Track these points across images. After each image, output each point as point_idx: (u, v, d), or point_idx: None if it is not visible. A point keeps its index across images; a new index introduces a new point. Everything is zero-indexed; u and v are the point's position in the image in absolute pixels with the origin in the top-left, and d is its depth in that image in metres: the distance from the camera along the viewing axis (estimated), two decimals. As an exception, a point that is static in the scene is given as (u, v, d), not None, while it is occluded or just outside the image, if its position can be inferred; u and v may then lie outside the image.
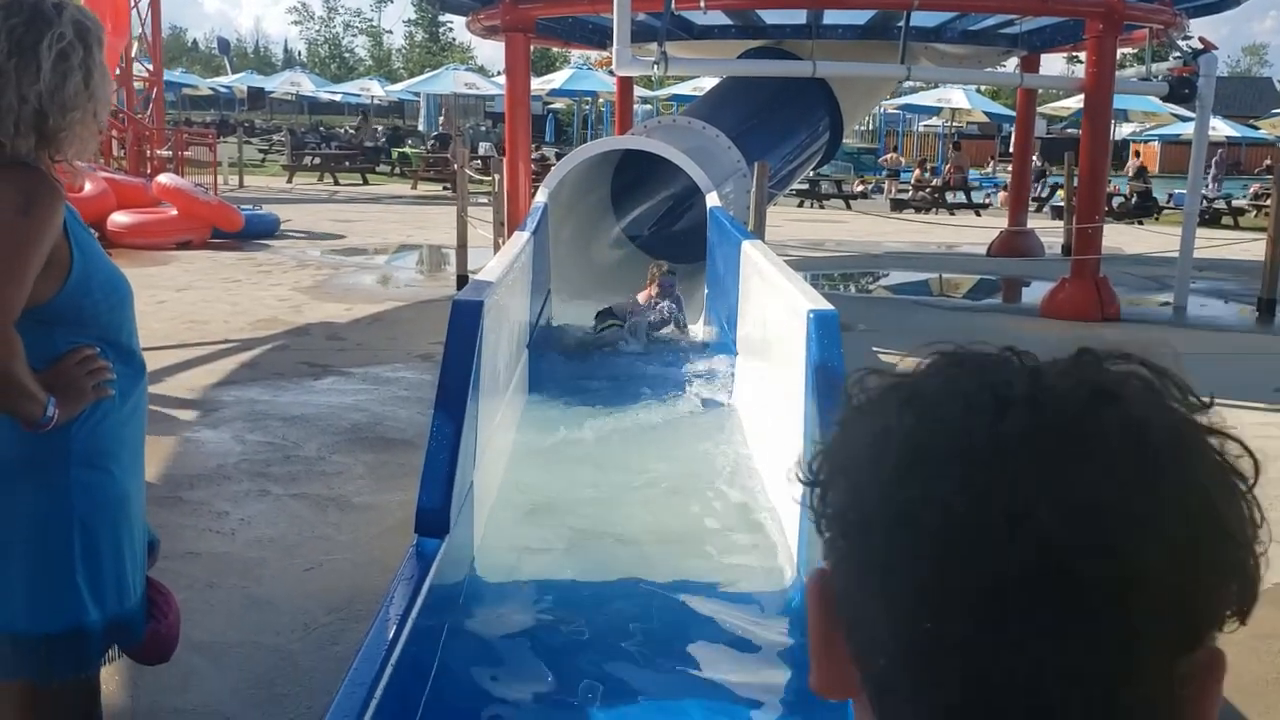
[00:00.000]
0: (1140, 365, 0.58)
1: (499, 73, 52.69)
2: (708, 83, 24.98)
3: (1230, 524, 0.56)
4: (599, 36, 12.55)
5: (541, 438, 5.60)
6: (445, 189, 24.98)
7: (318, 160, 26.88)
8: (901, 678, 0.57)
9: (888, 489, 0.57)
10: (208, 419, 6.49)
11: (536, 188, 11.43)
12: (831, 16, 11.09)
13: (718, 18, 11.14)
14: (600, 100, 34.30)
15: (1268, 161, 36.74)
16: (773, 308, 4.45)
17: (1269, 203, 21.93)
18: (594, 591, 3.89)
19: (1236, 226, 20.50)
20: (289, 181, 25.27)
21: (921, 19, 10.47)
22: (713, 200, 8.20)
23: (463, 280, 11.26)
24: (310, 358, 8.15)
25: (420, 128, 34.69)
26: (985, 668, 0.54)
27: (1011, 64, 13.80)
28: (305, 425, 6.41)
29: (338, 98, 41.68)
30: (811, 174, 17.55)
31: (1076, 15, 10.65)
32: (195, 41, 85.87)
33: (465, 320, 3.67)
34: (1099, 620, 0.53)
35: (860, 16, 11.09)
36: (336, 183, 25.57)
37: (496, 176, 9.00)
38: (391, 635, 2.79)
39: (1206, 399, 0.59)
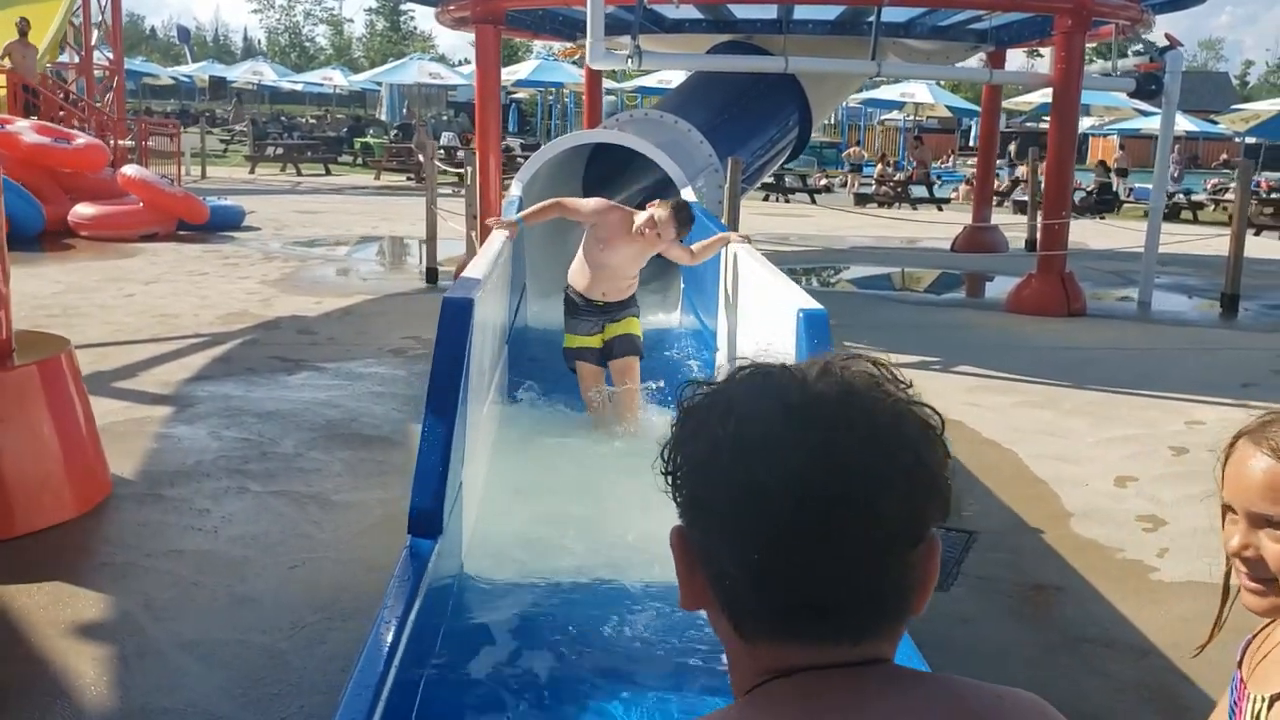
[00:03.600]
0: (866, 362, 0.89)
1: (460, 62, 52.48)
2: (673, 75, 25.04)
3: (934, 464, 0.86)
4: (569, 29, 12.52)
5: (524, 436, 5.60)
6: (409, 180, 24.83)
7: (280, 151, 26.59)
8: (744, 590, 0.86)
9: (721, 472, 0.86)
10: (183, 415, 6.42)
11: (504, 181, 11.42)
12: (802, 11, 11.13)
13: (689, 11, 11.14)
14: (565, 91, 34.24)
15: (1224, 156, 37.28)
16: (758, 305, 4.46)
17: (1228, 197, 22.38)
18: (583, 591, 3.90)
19: (1196, 221, 20.78)
20: (251, 173, 25.00)
21: (891, 14, 10.52)
22: (688, 195, 8.21)
23: (432, 273, 11.22)
24: (282, 352, 8.09)
25: (383, 117, 34.42)
26: (794, 578, 0.84)
27: (972, 60, 13.91)
28: (281, 421, 6.37)
29: (299, 87, 41.24)
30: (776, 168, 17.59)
31: (1046, 11, 10.74)
32: (153, 29, 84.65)
33: (456, 318, 3.65)
34: (856, 542, 0.83)
35: (830, 12, 11.14)
36: (299, 173, 25.33)
37: (469, 169, 8.94)
38: (391, 638, 2.79)
39: (907, 382, 0.89)
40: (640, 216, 5.59)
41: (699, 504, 0.88)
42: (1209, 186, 25.59)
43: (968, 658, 3.49)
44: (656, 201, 5.68)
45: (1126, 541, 5.05)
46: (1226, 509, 1.46)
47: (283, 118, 36.60)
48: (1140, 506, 5.51)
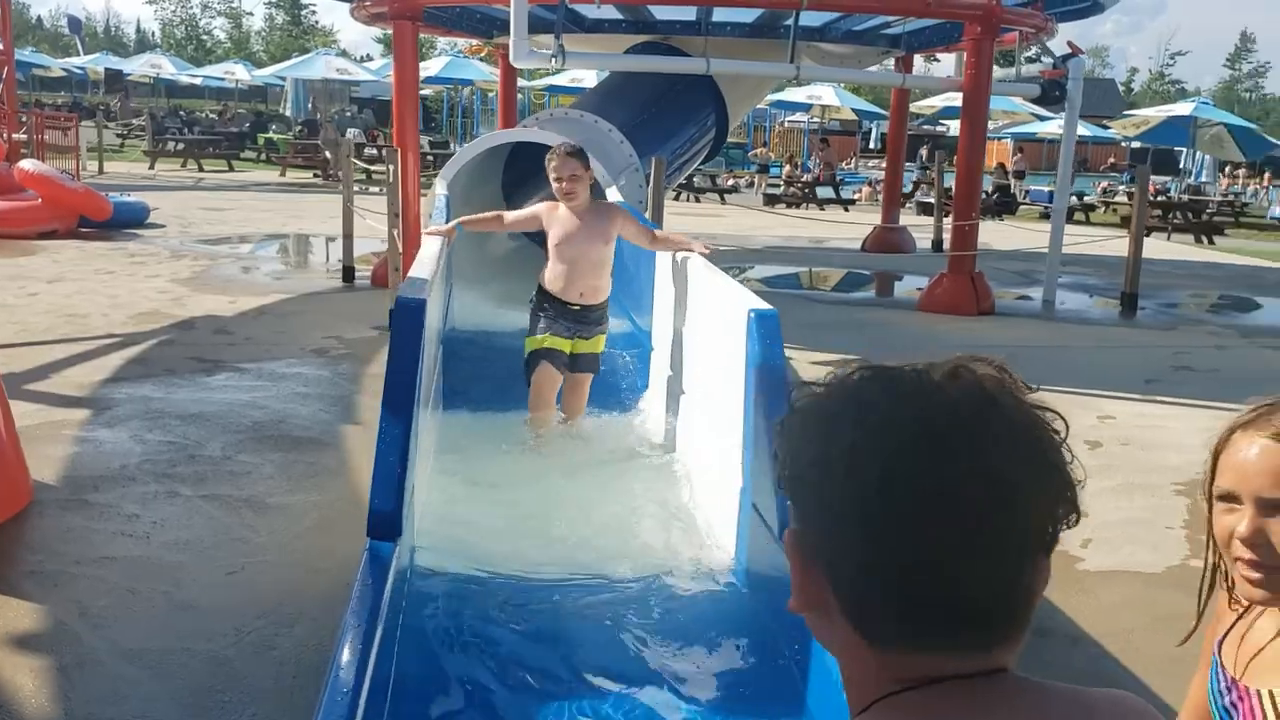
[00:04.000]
0: (997, 373, 0.89)
1: (364, 58, 51.68)
2: (584, 74, 25.03)
3: (1066, 469, 0.87)
4: (487, 26, 12.45)
5: (459, 437, 5.58)
6: (316, 176, 24.40)
7: (181, 146, 25.91)
8: (876, 593, 0.86)
9: (859, 477, 0.85)
10: (102, 418, 6.24)
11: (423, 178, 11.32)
12: (721, 14, 11.23)
13: (609, 11, 11.17)
14: (470, 90, 33.97)
15: (1112, 160, 38.65)
16: (703, 304, 4.50)
17: (1118, 199, 23.21)
18: (535, 587, 3.91)
19: (1089, 222, 21.51)
20: (151, 168, 24.32)
21: (808, 18, 10.67)
22: (613, 194, 8.24)
23: (349, 272, 11.06)
24: (199, 353, 7.91)
25: (287, 113, 33.72)
26: (934, 580, 0.84)
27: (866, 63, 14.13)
28: (205, 424, 6.23)
29: (199, 81, 40.18)
30: (690, 168, 17.70)
31: (957, 18, 11.01)
32: (39, 19, 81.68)
33: (409, 320, 3.63)
34: (998, 546, 0.84)
35: (749, 15, 11.26)
36: (201, 169, 24.72)
37: (390, 167, 8.84)
38: (361, 644, 2.77)
39: (1034, 386, 0.91)
40: (553, 186, 5.49)
41: (828, 506, 0.87)
42: (1099, 189, 26.49)
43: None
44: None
45: (1051, 533, 5.22)
46: (1222, 500, 1.49)
47: (181, 112, 35.62)
48: (1061, 499, 5.69)
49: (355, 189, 10.96)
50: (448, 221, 6.67)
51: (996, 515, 0.83)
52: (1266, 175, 33.68)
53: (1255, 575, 1.45)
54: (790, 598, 0.92)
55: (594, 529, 4.37)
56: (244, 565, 4.48)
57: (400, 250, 8.91)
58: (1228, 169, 32.45)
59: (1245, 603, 1.55)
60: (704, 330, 4.51)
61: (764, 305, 3.79)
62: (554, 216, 5.53)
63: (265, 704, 3.50)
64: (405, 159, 9.52)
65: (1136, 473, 6.14)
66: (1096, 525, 5.32)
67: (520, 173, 10.66)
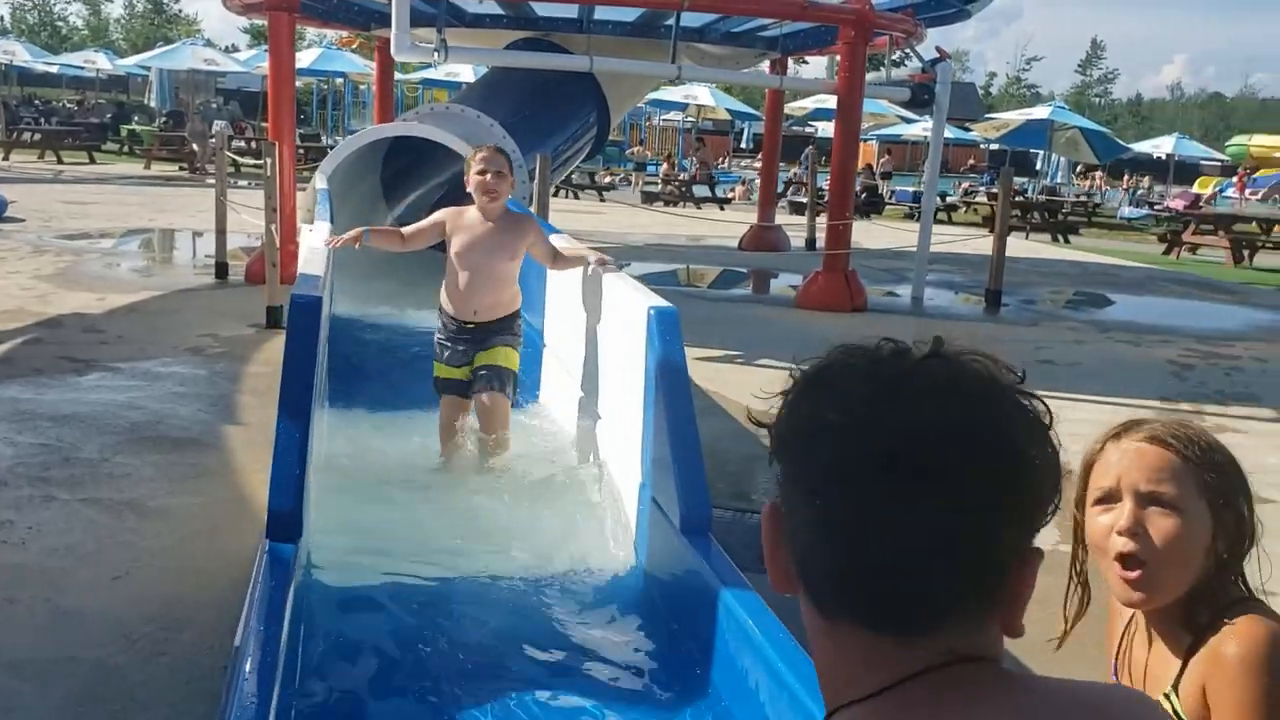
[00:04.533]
0: (977, 353, 0.88)
1: (229, 49, 50.14)
2: (461, 69, 24.79)
3: (1040, 457, 0.84)
4: (364, 18, 12.27)
5: (355, 433, 5.53)
6: (182, 169, 23.65)
7: (38, 136, 24.81)
8: (825, 562, 0.85)
9: (809, 440, 0.86)
10: (-34, 420, 5.98)
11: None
12: (602, 12, 11.29)
13: (490, 6, 11.14)
14: (341, 82, 33.31)
15: (971, 161, 40.03)
16: (600, 302, 4.56)
17: (979, 199, 24.09)
18: (434, 587, 3.90)
19: (950, 222, 22.28)
20: (5, 159, 23.23)
21: (688, 19, 10.82)
22: (499, 191, 8.24)
23: (222, 268, 10.79)
24: (69, 352, 7.63)
25: (152, 104, 32.52)
26: (879, 550, 0.82)
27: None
28: (79, 425, 6.02)
29: (55, 69, 38.43)
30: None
31: (831, 22, 11.30)
32: None
33: (305, 318, 3.60)
34: (946, 518, 0.80)
35: (630, 14, 11.35)
36: (60, 161, 23.70)
37: (268, 160, 8.66)
38: (266, 646, 2.75)
39: (1019, 375, 0.89)
40: (473, 185, 4.95)
41: (790, 476, 0.87)
42: (961, 190, 27.43)
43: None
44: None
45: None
46: (1099, 502, 1.57)
47: (37, 101, 34.05)
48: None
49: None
50: (332, 219, 6.58)
51: (941, 480, 0.80)
52: (1126, 177, 35.31)
53: (1132, 575, 1.52)
54: (769, 575, 0.92)
55: (492, 528, 4.38)
56: (129, 570, 4.37)
57: (277, 245, 8.74)
58: (1079, 169, 33.94)
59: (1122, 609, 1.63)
60: (601, 328, 4.57)
61: (663, 303, 3.87)
62: (460, 222, 5.05)
63: (158, 711, 3.43)
64: (282, 152, 9.34)
65: (1006, 462, 6.41)
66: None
67: (398, 168, 10.56)
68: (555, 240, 5.41)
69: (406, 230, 5.30)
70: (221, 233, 10.71)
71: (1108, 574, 1.57)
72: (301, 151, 20.84)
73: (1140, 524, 1.52)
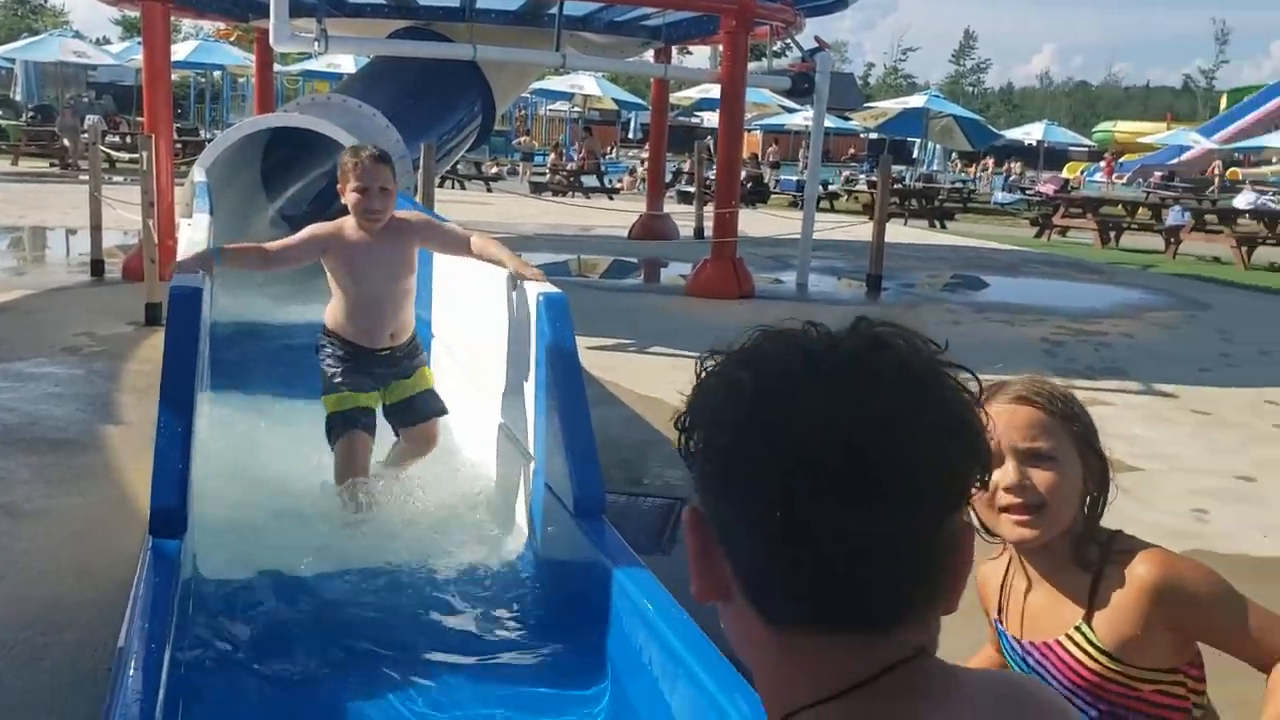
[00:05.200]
0: (897, 327, 0.84)
1: (100, 41, 48.31)
2: (342, 59, 24.36)
3: (972, 422, 0.82)
4: (242, 9, 11.97)
5: (238, 428, 5.43)
6: (53, 165, 22.78)
7: (-111, 130, 23.62)
8: (766, 561, 0.80)
9: (740, 427, 0.80)
10: None
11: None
12: (485, 1, 11.23)
13: (372, -5, 10.99)
14: (219, 75, 32.42)
15: (851, 150, 40.85)
16: (488, 290, 4.55)
17: (859, 187, 24.63)
18: (323, 579, 3.86)
19: (833, 209, 22.71)
20: None
21: (571, 8, 10.84)
22: (382, 183, 8.15)
23: (98, 265, 10.45)
24: (-66, 354, 7.32)
25: (17, 98, 31.16)
26: (822, 539, 0.77)
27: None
28: (-53, 429, 5.79)
29: (-96, 58, 36.58)
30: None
31: (714, 11, 11.41)
32: None
33: (186, 309, 3.53)
34: (889, 500, 0.77)
35: (513, 2, 11.31)
36: (-86, 156, 22.63)
37: (144, 154, 8.41)
38: (151, 643, 2.70)
39: (940, 345, 0.85)
40: (351, 202, 4.27)
41: (713, 467, 0.82)
42: (842, 178, 27.99)
43: (708, 611, 3.73)
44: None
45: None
46: None
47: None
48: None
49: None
50: (211, 211, 6.43)
51: (879, 461, 0.77)
52: (998, 163, 36.35)
53: (1024, 518, 1.66)
54: (692, 585, 0.86)
55: (381, 519, 4.35)
56: (3, 574, 4.23)
57: (155, 241, 8.50)
58: (953, 156, 34.90)
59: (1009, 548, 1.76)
60: (490, 315, 4.56)
61: (552, 289, 3.89)
62: (340, 243, 4.31)
63: (36, 717, 3.34)
64: (158, 146, 9.07)
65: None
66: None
67: (278, 160, 10.36)
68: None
69: (271, 246, 4.47)
70: (96, 229, 10.37)
71: (996, 525, 1.68)
72: (179, 146, 20.27)
73: (1025, 478, 1.65)
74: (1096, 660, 1.66)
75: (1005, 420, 1.65)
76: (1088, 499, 1.68)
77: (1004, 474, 1.66)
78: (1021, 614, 1.76)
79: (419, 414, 4.55)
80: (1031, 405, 1.67)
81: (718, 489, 0.82)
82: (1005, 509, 1.66)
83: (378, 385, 4.45)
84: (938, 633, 0.85)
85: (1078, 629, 1.67)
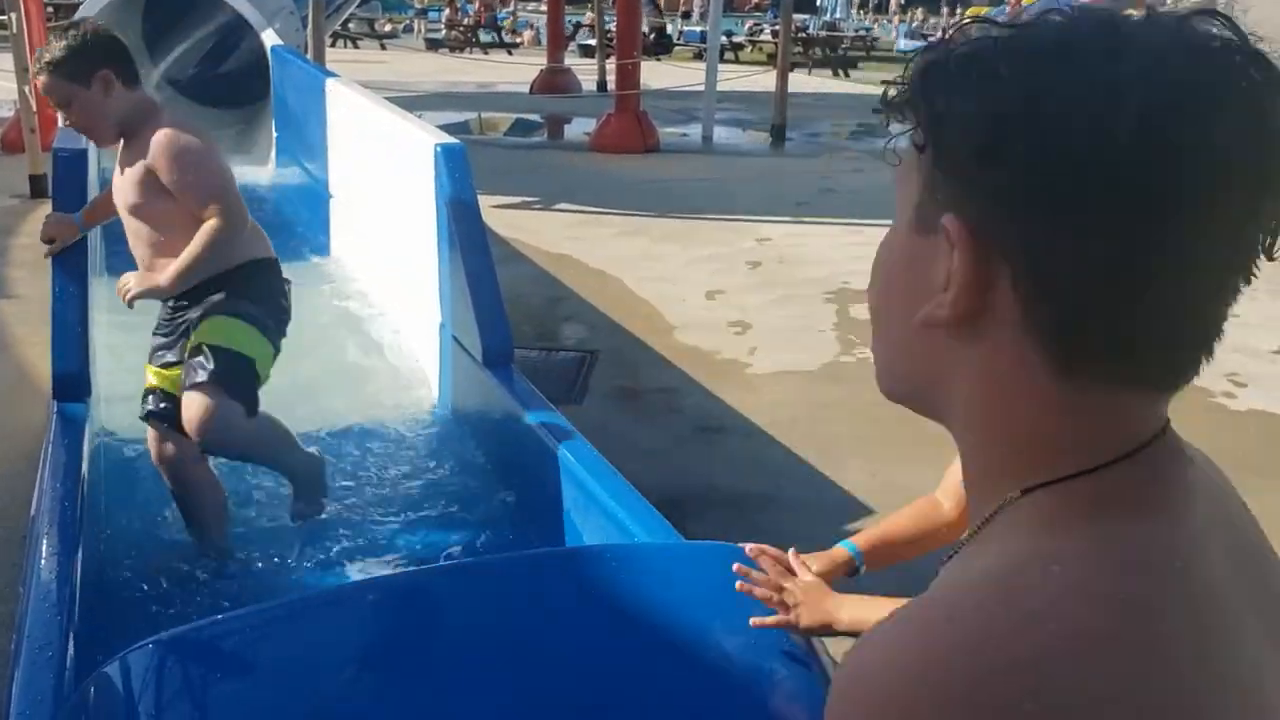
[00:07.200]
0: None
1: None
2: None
3: None
4: None
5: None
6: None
7: None
8: (1098, 292, 0.62)
9: (1085, 137, 0.60)
10: None
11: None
12: None
13: None
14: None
15: (755, 0, 40.17)
16: (384, 145, 4.49)
17: (764, 38, 24.36)
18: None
19: (738, 61, 22.47)
20: None
21: None
22: (270, 38, 7.87)
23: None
24: None
25: None
26: (1180, 279, 0.62)
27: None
28: None
29: None
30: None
31: None
32: None
33: (72, 173, 3.43)
34: (1253, 239, 0.63)
35: None
36: None
37: (13, 15, 7.96)
38: (63, 502, 2.72)
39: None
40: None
41: (1048, 172, 0.61)
42: (746, 28, 27.61)
43: (621, 453, 3.81)
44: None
45: (722, 345, 5.70)
46: None
47: None
48: (729, 315, 6.20)
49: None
50: None
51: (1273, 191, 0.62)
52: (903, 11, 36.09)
53: None
54: (931, 308, 0.67)
55: (295, 383, 4.33)
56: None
57: (34, 109, 8.13)
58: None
59: None
60: (387, 171, 4.51)
61: (449, 139, 3.85)
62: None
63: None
64: (28, 7, 8.58)
65: (791, 286, 6.74)
66: (760, 335, 5.85)
67: (159, 22, 9.89)
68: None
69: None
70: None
71: None
72: (51, 9, 19.15)
73: None
74: None
75: None
76: None
77: None
78: None
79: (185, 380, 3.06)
80: None
81: (1046, 202, 0.62)
82: None
83: (174, 358, 3.12)
84: None
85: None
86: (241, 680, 1.52)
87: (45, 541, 2.49)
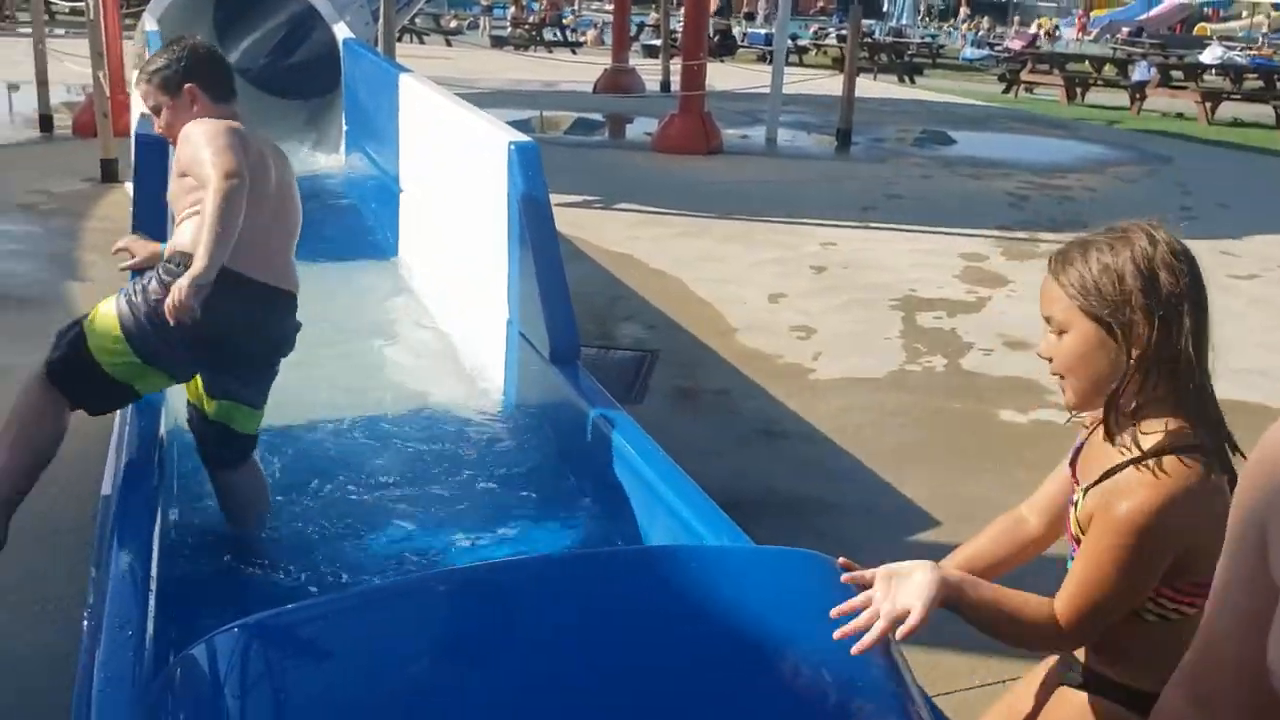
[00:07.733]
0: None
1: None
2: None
3: None
4: None
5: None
6: (-9, 18, 21.92)
7: None
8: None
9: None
10: None
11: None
12: None
13: None
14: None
15: (821, 3, 39.93)
16: (457, 142, 4.51)
17: (829, 41, 24.22)
18: (309, 431, 3.87)
19: (802, 64, 22.35)
20: None
21: None
22: (341, 31, 7.96)
23: (46, 120, 10.18)
24: (-114, 212, 7.18)
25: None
26: None
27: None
28: (-92, 287, 5.73)
29: None
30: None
31: None
32: None
33: (153, 158, 3.48)
34: None
35: None
36: None
37: (91, 2, 8.12)
38: (140, 479, 2.76)
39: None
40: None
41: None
42: (812, 32, 27.45)
43: (680, 454, 3.81)
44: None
45: (785, 349, 5.66)
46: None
47: None
48: (792, 318, 6.16)
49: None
50: None
51: None
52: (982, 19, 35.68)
53: (1058, 382, 1.64)
54: None
55: (365, 374, 4.37)
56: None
57: (107, 94, 8.28)
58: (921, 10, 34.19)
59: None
60: (460, 168, 4.52)
61: (523, 138, 3.86)
62: None
63: (28, 552, 3.40)
64: (104, -5, 8.75)
65: (855, 291, 6.69)
66: (823, 340, 5.81)
67: (232, 10, 10.03)
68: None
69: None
70: (43, 84, 10.05)
71: None
72: (123, -3, 19.55)
73: (1049, 346, 1.63)
74: (1077, 528, 1.63)
75: (1041, 289, 1.64)
76: (1136, 371, 1.55)
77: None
78: (1081, 460, 1.71)
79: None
80: (1049, 271, 1.62)
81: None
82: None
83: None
84: None
85: (1081, 492, 1.64)
86: (322, 666, 1.52)
87: (123, 522, 2.53)
